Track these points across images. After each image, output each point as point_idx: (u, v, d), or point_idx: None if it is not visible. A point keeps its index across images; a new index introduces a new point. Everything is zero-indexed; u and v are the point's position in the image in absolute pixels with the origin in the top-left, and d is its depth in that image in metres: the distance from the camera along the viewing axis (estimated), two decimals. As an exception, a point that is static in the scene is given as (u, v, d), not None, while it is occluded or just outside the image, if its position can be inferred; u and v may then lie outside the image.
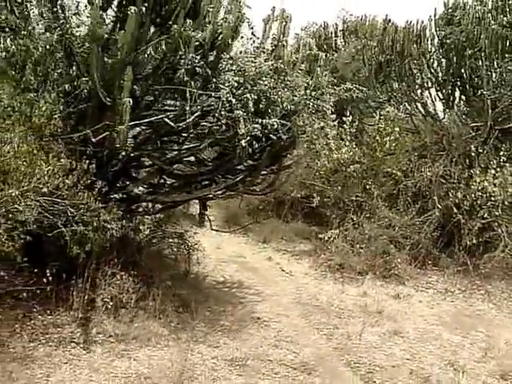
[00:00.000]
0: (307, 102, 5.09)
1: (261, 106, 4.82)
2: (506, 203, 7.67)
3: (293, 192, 9.94)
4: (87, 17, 4.52)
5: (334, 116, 7.06)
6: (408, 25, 9.05)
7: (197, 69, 4.65)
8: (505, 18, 8.12)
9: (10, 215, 3.69)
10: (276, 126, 4.75)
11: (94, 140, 4.56)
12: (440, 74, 8.97)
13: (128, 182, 5.29)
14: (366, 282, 7.53)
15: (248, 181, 5.63)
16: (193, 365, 4.53)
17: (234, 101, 4.58)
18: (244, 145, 4.65)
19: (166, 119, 4.76)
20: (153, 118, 4.77)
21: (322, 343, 5.47)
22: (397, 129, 8.54)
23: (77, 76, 4.49)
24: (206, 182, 5.57)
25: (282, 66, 5.04)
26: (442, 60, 8.90)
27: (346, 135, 8.52)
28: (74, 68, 4.61)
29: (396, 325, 6.09)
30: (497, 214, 7.66)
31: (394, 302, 6.91)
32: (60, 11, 4.52)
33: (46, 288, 4.60)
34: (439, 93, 9.03)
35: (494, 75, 8.14)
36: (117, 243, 5.10)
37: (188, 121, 4.67)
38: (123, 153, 4.45)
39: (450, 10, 8.91)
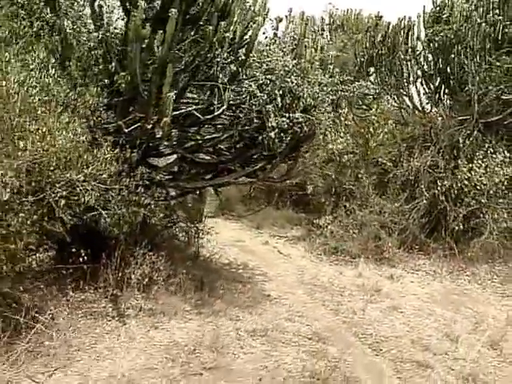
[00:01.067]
0: (325, 97, 5.52)
1: (287, 100, 5.22)
2: (491, 191, 8.24)
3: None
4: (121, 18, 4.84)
5: (330, 108, 7.51)
6: (399, 21, 9.52)
7: (226, 65, 5.01)
8: (491, 17, 8.62)
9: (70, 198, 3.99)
10: (300, 120, 5.17)
11: (126, 130, 4.89)
12: (428, 70, 9.48)
13: (150, 170, 5.62)
14: (360, 265, 8.00)
15: (268, 169, 6.04)
16: (220, 335, 4.92)
17: (264, 96, 4.96)
18: (273, 136, 5.06)
19: (194, 111, 5.11)
20: (183, 111, 5.11)
21: (330, 317, 5.93)
22: (390, 121, 9.06)
23: (115, 71, 4.81)
24: (226, 170, 5.95)
25: (305, 64, 5.45)
26: (430, 56, 9.40)
27: (341, 127, 8.97)
28: (112, 64, 4.91)
29: (393, 302, 6.60)
30: (482, 201, 8.23)
31: (388, 282, 7.41)
32: (98, 11, 4.83)
33: (83, 266, 4.91)
34: (427, 87, 9.56)
35: (480, 71, 8.66)
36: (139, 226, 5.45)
37: (216, 113, 5.05)
38: (165, 142, 4.79)
39: (438, 8, 9.41)
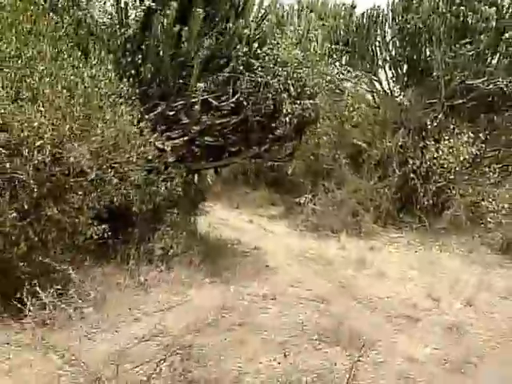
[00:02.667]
0: (327, 85, 6.11)
1: (298, 89, 5.79)
2: (457, 169, 9.04)
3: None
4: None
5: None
6: (371, 10, 10.17)
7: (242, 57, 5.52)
8: (456, 8, 9.37)
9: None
10: (308, 106, 5.75)
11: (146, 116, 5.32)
12: (397, 57, 10.19)
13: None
14: (342, 239, 8.65)
15: (274, 150, 6.59)
16: (236, 299, 5.47)
17: (278, 85, 5.51)
18: (288, 120, 5.62)
19: (210, 99, 5.59)
20: (200, 98, 5.57)
21: (326, 284, 6.55)
22: (363, 105, 9.72)
23: (141, 63, 5.22)
24: (233, 151, 6.46)
25: (313, 57, 6.02)
26: (400, 44, 10.10)
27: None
28: (139, 56, 5.31)
29: (378, 269, 7.27)
30: (449, 178, 9.03)
31: (370, 253, 8.08)
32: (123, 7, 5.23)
33: (107, 241, 5.32)
34: (395, 73, 10.28)
35: (446, 59, 9.41)
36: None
37: (231, 100, 5.56)
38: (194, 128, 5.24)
39: (407, -1, 10.10)
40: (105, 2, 5.33)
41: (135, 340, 4.14)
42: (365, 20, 10.21)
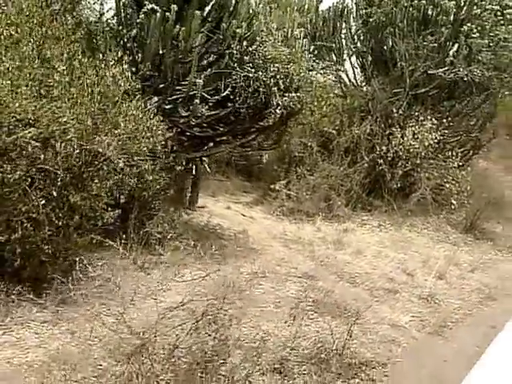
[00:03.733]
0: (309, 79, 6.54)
1: (286, 83, 6.20)
2: (423, 154, 9.61)
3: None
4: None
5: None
6: (337, 4, 10.63)
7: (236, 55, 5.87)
8: (417, 2, 9.91)
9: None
10: (295, 98, 6.17)
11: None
12: (363, 48, 10.69)
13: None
14: (317, 222, 9.10)
15: (261, 138, 6.96)
16: (231, 278, 5.82)
17: (270, 80, 5.90)
18: (278, 112, 6.02)
19: (203, 93, 5.91)
20: (200, 92, 5.88)
21: (309, 262, 6.97)
22: (331, 95, 10.18)
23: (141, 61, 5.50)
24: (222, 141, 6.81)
25: (298, 54, 6.42)
26: (365, 36, 10.60)
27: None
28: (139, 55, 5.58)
29: (355, 248, 7.75)
30: (415, 162, 9.60)
31: (344, 234, 8.55)
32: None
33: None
34: (361, 64, 10.79)
35: (409, 50, 9.95)
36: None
37: (222, 94, 5.91)
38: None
39: (371, -7, 10.60)
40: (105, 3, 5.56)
41: (152, 314, 4.44)
42: (331, 13, 10.64)
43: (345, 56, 10.90)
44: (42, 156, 4.15)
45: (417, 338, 5.30)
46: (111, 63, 4.73)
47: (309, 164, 10.23)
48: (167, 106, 5.53)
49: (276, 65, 6.16)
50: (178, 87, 5.76)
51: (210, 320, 3.82)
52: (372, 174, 10.14)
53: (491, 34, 10.29)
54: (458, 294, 6.66)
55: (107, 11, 5.66)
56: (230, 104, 6.40)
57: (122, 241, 5.79)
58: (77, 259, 4.99)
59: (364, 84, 10.71)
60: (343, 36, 10.92)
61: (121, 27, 5.50)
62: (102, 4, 5.55)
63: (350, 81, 10.95)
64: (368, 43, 10.62)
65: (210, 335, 3.76)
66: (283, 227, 8.77)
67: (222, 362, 3.79)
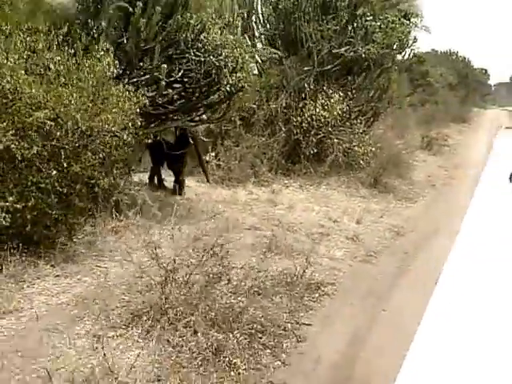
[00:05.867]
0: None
1: (233, 65, 7.30)
2: (333, 122, 11.13)
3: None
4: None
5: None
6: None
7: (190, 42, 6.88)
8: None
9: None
10: (240, 78, 7.30)
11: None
12: (274, 32, 11.96)
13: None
14: (247, 187, 10.34)
15: (210, 113, 8.03)
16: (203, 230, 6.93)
17: (221, 63, 6.98)
18: (228, 90, 7.11)
19: (159, 75, 6.86)
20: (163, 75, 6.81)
21: (251, 218, 8.23)
22: (250, 74, 11.36)
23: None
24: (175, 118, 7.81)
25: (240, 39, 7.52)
26: (276, 21, 11.88)
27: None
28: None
29: (286, 205, 9.12)
30: (328, 130, 11.10)
31: (274, 196, 9.86)
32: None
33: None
34: (275, 45, 12.07)
35: (315, 32, 11.36)
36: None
37: (176, 76, 6.91)
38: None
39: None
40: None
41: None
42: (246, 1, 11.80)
43: (256, 40, 12.08)
44: (57, 133, 5.00)
45: (352, 266, 6.75)
46: (101, 53, 5.59)
47: (234, 136, 11.42)
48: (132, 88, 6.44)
49: (225, 50, 7.24)
50: (141, 71, 6.67)
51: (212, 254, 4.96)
52: (289, 142, 11.53)
53: (381, 17, 11.98)
54: (375, 233, 8.23)
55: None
56: (179, 85, 7.41)
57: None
58: (75, 223, 5.94)
59: (278, 63, 11.97)
60: (255, 20, 12.09)
61: (91, 20, 6.31)
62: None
63: (263, 61, 12.18)
64: (279, 27, 11.89)
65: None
66: (220, 193, 9.92)
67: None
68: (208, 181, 9.55)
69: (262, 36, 12.12)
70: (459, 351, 4.67)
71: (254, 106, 11.54)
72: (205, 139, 9.55)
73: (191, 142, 8.99)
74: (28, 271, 5.44)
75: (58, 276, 5.52)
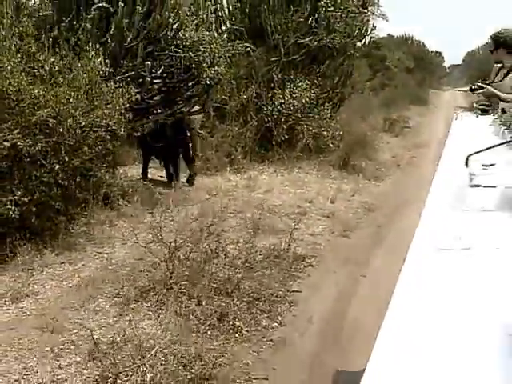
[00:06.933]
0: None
1: (211, 60, 7.78)
2: (302, 110, 11.71)
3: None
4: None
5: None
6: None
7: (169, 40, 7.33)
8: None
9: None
10: (219, 72, 7.80)
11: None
12: (240, 25, 12.44)
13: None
14: (224, 175, 10.86)
15: (189, 106, 8.50)
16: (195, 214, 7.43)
17: (200, 58, 7.45)
18: (208, 83, 7.59)
19: (142, 71, 7.30)
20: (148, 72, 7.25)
21: (233, 202, 8.75)
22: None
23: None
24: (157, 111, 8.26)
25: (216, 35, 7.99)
26: (242, 15, 12.35)
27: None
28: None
29: (264, 189, 9.67)
30: (298, 116, 11.68)
31: (250, 181, 10.36)
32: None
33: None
34: (241, 38, 12.54)
35: (280, 24, 11.90)
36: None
37: (157, 72, 7.37)
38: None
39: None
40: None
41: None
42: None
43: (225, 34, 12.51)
44: (60, 129, 5.43)
45: (330, 240, 7.37)
46: (92, 53, 6.02)
47: (208, 127, 11.90)
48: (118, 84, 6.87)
49: (202, 46, 7.72)
50: (123, 69, 7.10)
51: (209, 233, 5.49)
52: (261, 130, 12.06)
53: (341, 8, 12.58)
54: (348, 210, 8.88)
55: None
56: (160, 80, 7.88)
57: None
58: (75, 213, 6.38)
59: (246, 55, 12.46)
60: (220, 14, 12.53)
61: (75, 22, 6.70)
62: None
63: (232, 54, 12.65)
64: (244, 19, 12.38)
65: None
66: (201, 182, 10.41)
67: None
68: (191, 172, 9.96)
69: (229, 30, 12.52)
70: (433, 305, 5.32)
71: (226, 97, 12.04)
72: (201, 132, 9.95)
73: (187, 133, 9.38)
74: (35, 259, 5.88)
75: (63, 263, 5.98)
